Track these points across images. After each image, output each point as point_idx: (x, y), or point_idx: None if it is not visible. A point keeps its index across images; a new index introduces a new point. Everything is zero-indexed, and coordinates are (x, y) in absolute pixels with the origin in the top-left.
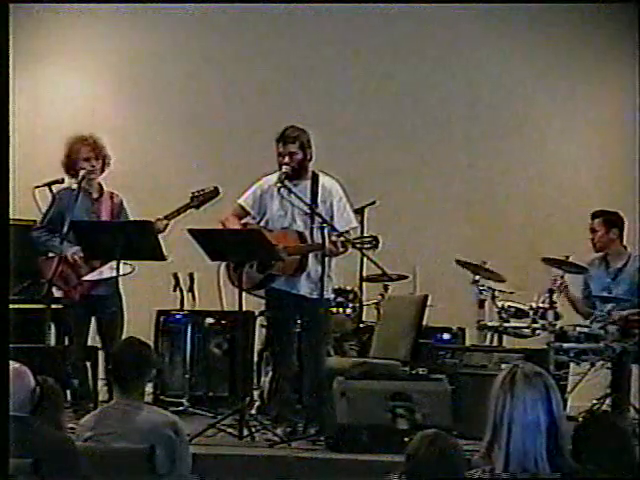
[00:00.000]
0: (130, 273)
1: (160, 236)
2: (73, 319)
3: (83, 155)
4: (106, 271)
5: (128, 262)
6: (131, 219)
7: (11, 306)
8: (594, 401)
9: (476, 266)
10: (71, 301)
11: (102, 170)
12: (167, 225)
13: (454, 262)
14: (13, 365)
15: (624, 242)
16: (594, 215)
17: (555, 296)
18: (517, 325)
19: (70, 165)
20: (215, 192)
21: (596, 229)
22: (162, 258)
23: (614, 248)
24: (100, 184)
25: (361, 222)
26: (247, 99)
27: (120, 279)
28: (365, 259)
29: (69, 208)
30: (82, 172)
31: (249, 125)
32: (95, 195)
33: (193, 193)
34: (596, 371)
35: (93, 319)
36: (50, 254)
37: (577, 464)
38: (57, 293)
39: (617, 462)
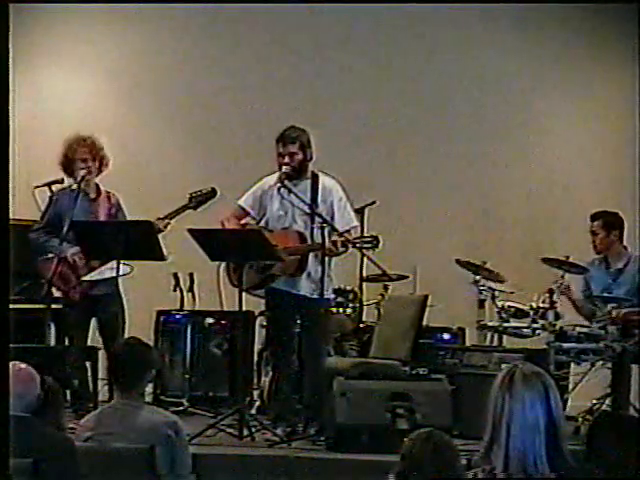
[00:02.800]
0: (129, 273)
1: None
2: (73, 319)
3: (80, 156)
4: (105, 271)
5: (127, 262)
6: (130, 219)
7: (11, 306)
8: (594, 401)
9: (476, 266)
10: (71, 301)
11: (99, 171)
12: (166, 225)
13: (454, 262)
14: (21, 366)
15: (624, 242)
16: (593, 217)
17: (555, 296)
18: (517, 325)
19: (67, 165)
20: (213, 193)
21: (596, 232)
22: (162, 258)
23: (614, 249)
24: (97, 184)
25: (361, 222)
26: (247, 99)
27: (120, 279)
28: (365, 259)
29: (68, 209)
30: (82, 172)
31: (249, 125)
32: (93, 195)
33: (191, 194)
34: (596, 371)
35: (94, 319)
36: (49, 255)
37: (589, 462)
38: (57, 293)
39: (635, 460)
